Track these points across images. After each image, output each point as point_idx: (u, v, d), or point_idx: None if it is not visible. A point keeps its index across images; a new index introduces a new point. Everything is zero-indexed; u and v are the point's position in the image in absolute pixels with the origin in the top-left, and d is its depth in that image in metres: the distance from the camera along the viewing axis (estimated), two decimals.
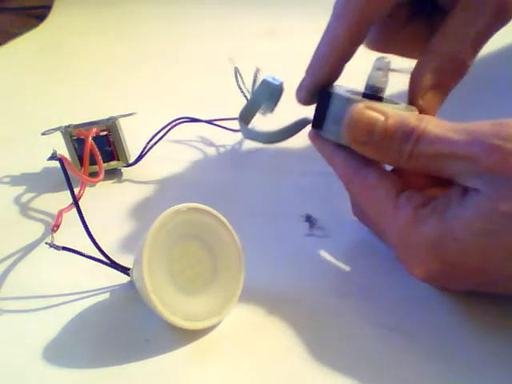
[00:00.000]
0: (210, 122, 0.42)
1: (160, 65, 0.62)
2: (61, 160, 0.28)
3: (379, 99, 0.28)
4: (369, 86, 0.28)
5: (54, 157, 0.28)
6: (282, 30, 0.68)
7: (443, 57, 0.28)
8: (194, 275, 0.25)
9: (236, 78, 0.40)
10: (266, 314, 0.27)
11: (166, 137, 0.40)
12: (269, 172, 0.40)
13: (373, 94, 0.28)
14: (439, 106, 0.29)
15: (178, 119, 0.41)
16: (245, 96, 0.40)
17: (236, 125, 0.39)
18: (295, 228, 0.33)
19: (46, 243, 0.28)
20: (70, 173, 0.29)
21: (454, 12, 0.28)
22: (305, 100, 0.30)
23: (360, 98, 0.27)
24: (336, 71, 0.29)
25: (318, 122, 0.29)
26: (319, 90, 0.29)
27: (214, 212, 0.26)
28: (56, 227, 0.30)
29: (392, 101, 0.29)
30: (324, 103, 0.28)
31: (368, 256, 0.31)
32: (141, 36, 0.71)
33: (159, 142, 0.40)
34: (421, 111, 0.28)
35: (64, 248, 0.28)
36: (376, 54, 0.29)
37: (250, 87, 0.39)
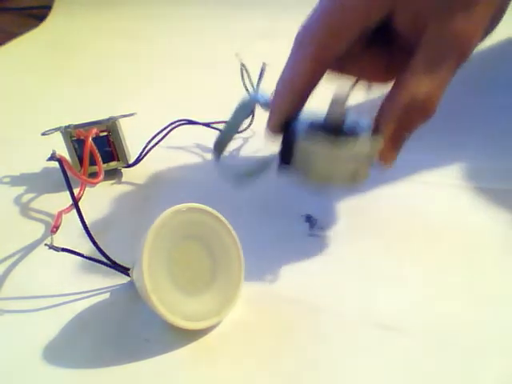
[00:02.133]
0: (207, 124, 0.41)
1: (160, 65, 0.62)
2: (60, 160, 0.28)
3: (340, 131, 0.29)
4: (329, 120, 0.29)
5: (53, 157, 0.28)
6: (282, 30, 0.68)
7: (414, 96, 0.28)
8: (193, 275, 0.25)
9: (242, 74, 0.40)
10: (266, 313, 0.27)
11: (165, 137, 0.40)
12: (268, 173, 0.40)
13: (334, 126, 0.29)
14: (403, 143, 0.29)
15: (176, 121, 0.41)
16: (248, 94, 0.40)
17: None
18: (295, 228, 0.33)
19: (46, 244, 0.28)
20: (69, 173, 0.29)
21: (421, 50, 0.28)
22: (275, 134, 0.31)
23: (322, 135, 0.28)
24: (301, 103, 0.30)
25: (285, 158, 0.30)
26: (284, 125, 0.30)
27: (214, 212, 0.26)
28: (55, 228, 0.30)
29: (354, 129, 0.30)
30: (289, 141, 0.30)
31: (368, 256, 0.31)
32: (141, 36, 0.71)
33: (159, 143, 0.40)
34: (385, 142, 0.29)
35: (63, 249, 0.27)
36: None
37: (251, 85, 0.39)
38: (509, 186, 0.35)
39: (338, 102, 0.29)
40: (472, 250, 0.31)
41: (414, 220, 0.34)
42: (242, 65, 0.40)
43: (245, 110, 0.36)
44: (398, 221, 0.34)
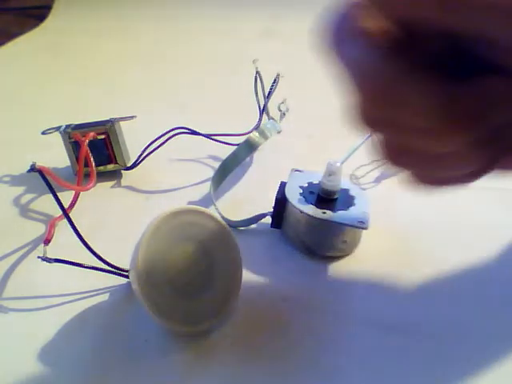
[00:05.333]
0: (208, 136, 0.41)
1: (160, 65, 0.62)
2: (40, 171, 0.27)
3: (333, 201, 0.31)
4: (322, 190, 0.31)
5: (33, 169, 0.27)
6: (282, 29, 0.68)
7: None
8: (191, 277, 0.25)
9: (255, 81, 0.40)
10: (266, 314, 0.27)
11: (165, 143, 0.40)
12: (268, 173, 0.40)
13: (326, 196, 0.31)
14: None
15: (177, 128, 0.40)
16: (257, 101, 0.40)
17: (232, 139, 0.40)
18: None
19: (39, 257, 0.28)
20: (54, 182, 0.28)
21: None
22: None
23: (313, 208, 0.30)
24: None
25: (277, 223, 0.32)
26: (279, 188, 0.32)
27: (211, 213, 0.26)
28: (48, 241, 0.29)
29: (348, 198, 0.31)
30: (281, 208, 0.31)
31: (367, 256, 0.31)
32: (141, 36, 0.71)
33: (158, 148, 0.40)
34: None
35: (56, 260, 0.27)
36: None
37: (263, 94, 0.39)
38: None
39: (332, 173, 0.30)
40: (474, 250, 0.31)
41: (416, 220, 0.34)
42: (257, 72, 0.40)
43: (249, 148, 0.37)
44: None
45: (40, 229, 0.34)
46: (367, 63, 0.18)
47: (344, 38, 0.18)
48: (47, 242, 0.29)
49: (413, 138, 0.19)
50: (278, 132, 0.39)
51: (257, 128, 0.40)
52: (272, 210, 0.32)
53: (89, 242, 0.28)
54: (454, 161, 0.19)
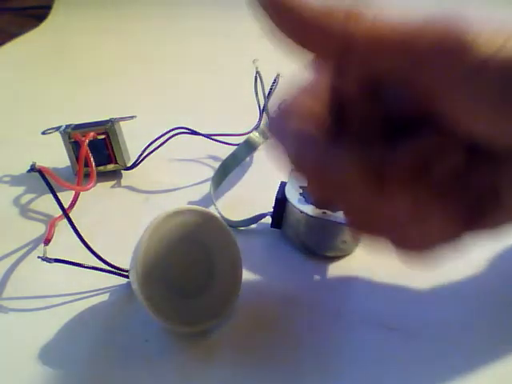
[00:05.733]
0: (208, 136, 0.41)
1: (160, 65, 0.62)
2: (40, 172, 0.27)
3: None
4: None
5: (33, 169, 0.27)
6: None
7: None
8: (191, 278, 0.25)
9: (255, 81, 0.40)
10: (266, 314, 0.27)
11: (165, 143, 0.40)
12: (268, 173, 0.40)
13: None
14: None
15: (177, 128, 0.40)
16: (257, 101, 0.40)
17: (232, 139, 0.40)
18: None
19: (39, 257, 0.28)
20: (54, 182, 0.28)
21: None
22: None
23: (313, 208, 0.30)
24: None
25: (277, 223, 0.32)
26: (279, 188, 0.32)
27: (211, 213, 0.26)
28: (47, 241, 0.29)
29: None
30: (281, 208, 0.31)
31: (367, 256, 0.31)
32: (141, 36, 0.71)
33: (158, 148, 0.40)
34: None
35: (56, 260, 0.27)
36: None
37: (263, 94, 0.39)
38: None
39: None
40: None
41: None
42: (258, 72, 0.40)
43: (249, 148, 0.37)
44: None
45: (40, 229, 0.34)
46: (300, 156, 0.20)
47: (280, 135, 0.21)
48: (47, 241, 0.29)
49: (365, 207, 0.19)
50: None
51: (257, 128, 0.40)
52: (272, 210, 0.32)
53: (89, 242, 0.28)
54: (418, 220, 0.19)
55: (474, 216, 0.19)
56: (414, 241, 0.20)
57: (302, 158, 0.20)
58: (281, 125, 0.21)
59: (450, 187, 0.19)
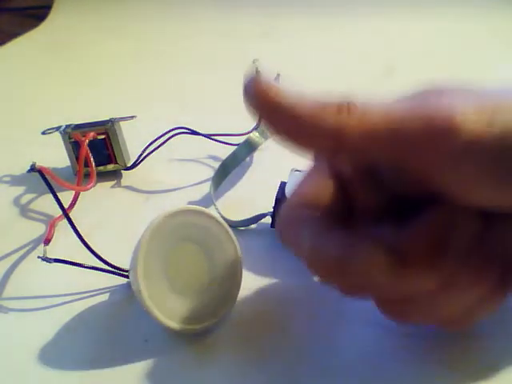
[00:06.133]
0: (208, 136, 0.41)
1: (160, 65, 0.62)
2: (40, 172, 0.27)
3: None
4: None
5: (33, 169, 0.27)
6: (282, 30, 0.68)
7: None
8: (191, 277, 0.25)
9: None
10: (266, 314, 0.27)
11: (165, 143, 0.40)
12: (268, 173, 0.40)
13: None
14: None
15: (177, 128, 0.40)
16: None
17: (232, 139, 0.40)
18: None
19: (39, 257, 0.28)
20: (54, 182, 0.28)
21: None
22: None
23: None
24: None
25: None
26: (278, 188, 0.32)
27: (211, 213, 0.26)
28: (48, 241, 0.29)
29: None
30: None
31: None
32: (141, 36, 0.71)
33: (158, 148, 0.40)
34: None
35: (56, 260, 0.27)
36: None
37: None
38: None
39: None
40: None
41: None
42: (258, 72, 0.40)
43: (249, 148, 0.37)
44: None
45: (40, 229, 0.34)
46: (318, 253, 0.20)
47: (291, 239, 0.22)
48: (47, 241, 0.29)
49: (393, 291, 0.20)
50: None
51: (257, 128, 0.40)
52: (272, 209, 0.32)
53: (89, 242, 0.28)
54: (449, 291, 0.20)
55: (509, 273, 0.20)
56: (451, 313, 0.20)
57: (321, 255, 0.20)
58: (292, 227, 0.22)
59: (474, 253, 0.19)
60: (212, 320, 0.25)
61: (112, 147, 0.38)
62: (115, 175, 0.40)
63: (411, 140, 0.17)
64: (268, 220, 0.32)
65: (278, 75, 0.40)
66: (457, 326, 0.21)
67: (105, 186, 0.39)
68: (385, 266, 0.18)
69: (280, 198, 0.31)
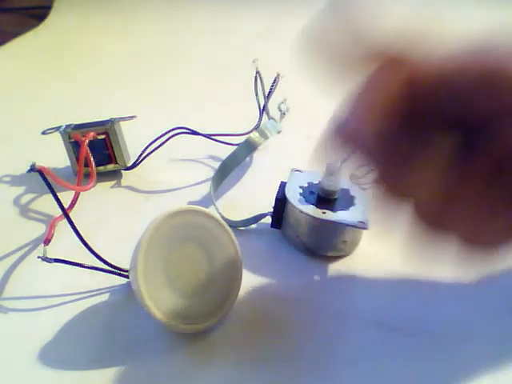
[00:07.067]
0: (208, 136, 0.41)
1: (160, 64, 0.62)
2: (40, 172, 0.27)
3: (333, 201, 0.31)
4: (322, 190, 0.31)
5: (33, 169, 0.27)
6: (282, 29, 0.68)
7: None
8: (191, 277, 0.25)
9: (255, 81, 0.40)
10: (266, 314, 0.27)
11: (165, 143, 0.40)
12: (268, 173, 0.40)
13: (326, 196, 0.31)
14: None
15: (177, 128, 0.40)
16: (257, 101, 0.40)
17: (232, 139, 0.40)
18: None
19: (39, 257, 0.28)
20: (54, 182, 0.28)
21: None
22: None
23: (313, 208, 0.30)
24: None
25: (277, 223, 0.32)
26: (278, 188, 0.32)
27: (211, 213, 0.26)
28: (48, 240, 0.29)
29: (347, 198, 0.31)
30: (281, 208, 0.31)
31: (367, 256, 0.31)
32: (141, 36, 0.72)
33: (158, 148, 0.40)
34: None
35: (56, 260, 0.27)
36: None
37: (263, 94, 0.39)
38: None
39: (331, 173, 0.30)
40: None
41: None
42: (258, 72, 0.40)
43: (249, 148, 0.37)
44: None
45: (40, 229, 0.34)
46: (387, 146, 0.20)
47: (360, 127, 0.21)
48: (47, 241, 0.29)
49: (444, 196, 0.20)
50: (278, 132, 0.39)
51: (257, 128, 0.40)
52: (272, 210, 0.32)
53: (89, 242, 0.28)
54: (492, 215, 0.20)
55: None
56: (484, 235, 0.20)
57: (389, 147, 0.20)
58: (357, 121, 0.21)
59: None
60: (212, 320, 0.25)
61: (112, 147, 0.38)
62: (115, 175, 0.40)
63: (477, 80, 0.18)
64: (268, 220, 0.32)
65: (278, 75, 0.41)
66: (480, 247, 0.21)
67: (105, 186, 0.39)
68: (446, 164, 0.19)
69: (280, 197, 0.31)
